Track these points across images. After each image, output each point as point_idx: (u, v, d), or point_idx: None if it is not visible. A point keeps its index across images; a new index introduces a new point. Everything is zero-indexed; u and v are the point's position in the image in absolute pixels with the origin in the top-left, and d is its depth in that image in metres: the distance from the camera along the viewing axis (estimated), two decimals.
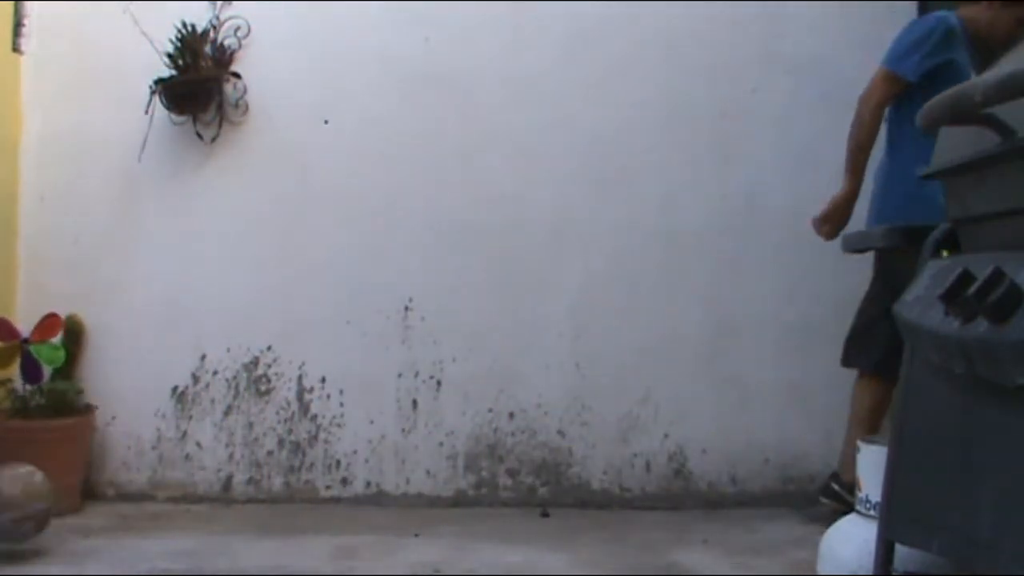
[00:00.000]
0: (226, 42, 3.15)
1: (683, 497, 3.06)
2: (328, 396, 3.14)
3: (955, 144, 1.47)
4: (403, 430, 3.12)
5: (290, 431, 3.14)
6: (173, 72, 3.09)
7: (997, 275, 1.19)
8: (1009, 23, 2.53)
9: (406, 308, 3.14)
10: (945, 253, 1.54)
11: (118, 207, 3.21)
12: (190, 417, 3.16)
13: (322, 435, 3.13)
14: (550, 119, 3.12)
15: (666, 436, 3.07)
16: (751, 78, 3.10)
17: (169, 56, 3.08)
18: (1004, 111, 1.27)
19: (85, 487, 3.06)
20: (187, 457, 3.16)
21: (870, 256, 2.71)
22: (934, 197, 1.76)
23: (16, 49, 3.20)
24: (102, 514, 2.93)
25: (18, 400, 2.97)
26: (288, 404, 3.15)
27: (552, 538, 2.65)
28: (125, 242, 3.20)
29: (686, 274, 3.09)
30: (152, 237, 3.20)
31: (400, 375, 3.13)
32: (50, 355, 3.01)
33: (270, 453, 3.14)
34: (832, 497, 2.65)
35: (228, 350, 3.16)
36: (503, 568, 2.35)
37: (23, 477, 2.39)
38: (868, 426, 2.60)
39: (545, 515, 2.94)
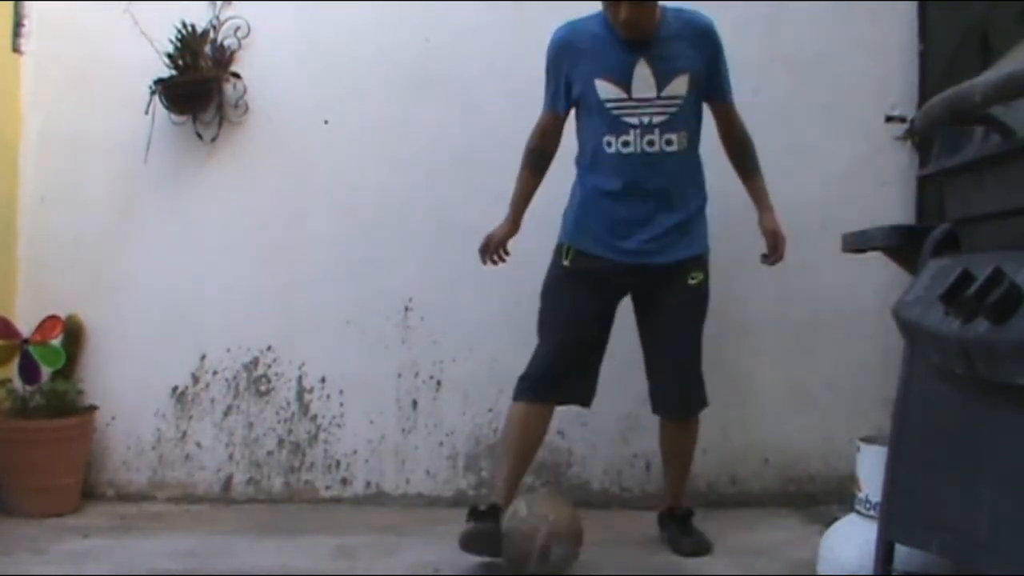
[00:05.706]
0: (226, 42, 3.15)
1: None
2: (328, 396, 3.14)
3: (955, 144, 1.47)
4: (403, 430, 3.12)
5: (290, 431, 3.14)
6: (173, 72, 3.08)
7: (997, 275, 1.19)
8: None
9: (406, 308, 3.14)
10: None
11: (118, 207, 3.21)
12: (190, 417, 3.16)
13: (322, 435, 3.13)
14: None
15: None
16: (751, 78, 3.08)
17: (169, 56, 3.08)
18: (1004, 111, 1.27)
19: (85, 487, 3.06)
20: (187, 457, 3.16)
21: (870, 256, 2.70)
22: None
23: (16, 49, 3.19)
24: (102, 514, 2.93)
25: (18, 400, 2.97)
26: (288, 404, 3.15)
27: None
28: (125, 242, 3.20)
29: None
30: (152, 237, 3.20)
31: (400, 375, 3.13)
32: (49, 356, 3.01)
33: (270, 453, 3.14)
34: None
35: (228, 350, 3.16)
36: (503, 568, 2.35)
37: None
38: None
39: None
